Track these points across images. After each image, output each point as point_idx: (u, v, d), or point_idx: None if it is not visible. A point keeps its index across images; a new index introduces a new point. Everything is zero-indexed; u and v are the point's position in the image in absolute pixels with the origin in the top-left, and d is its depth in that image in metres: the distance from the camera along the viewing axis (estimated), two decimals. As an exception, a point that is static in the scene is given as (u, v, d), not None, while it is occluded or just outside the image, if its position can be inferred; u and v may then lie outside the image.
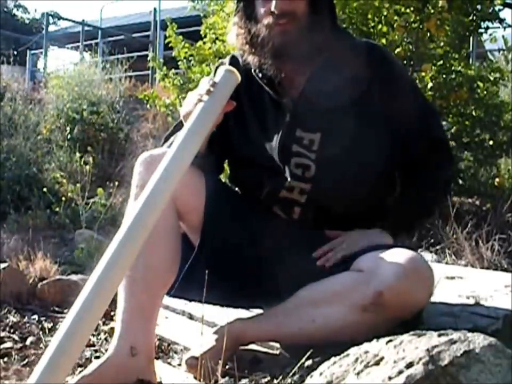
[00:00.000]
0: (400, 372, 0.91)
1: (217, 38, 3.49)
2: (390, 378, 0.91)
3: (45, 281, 2.38)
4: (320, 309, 1.32)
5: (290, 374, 1.23)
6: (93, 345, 1.78)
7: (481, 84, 3.15)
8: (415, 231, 1.51)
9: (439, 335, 0.97)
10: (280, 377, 1.27)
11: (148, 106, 4.05)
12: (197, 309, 1.76)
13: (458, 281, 1.82)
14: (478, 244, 2.41)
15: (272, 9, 1.40)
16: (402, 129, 1.45)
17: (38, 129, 5.59)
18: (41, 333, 1.88)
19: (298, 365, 1.21)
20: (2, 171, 4.55)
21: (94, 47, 9.62)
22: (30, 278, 2.41)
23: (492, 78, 3.17)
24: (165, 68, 3.68)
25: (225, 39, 3.37)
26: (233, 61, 1.55)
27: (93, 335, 1.86)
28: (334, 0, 1.56)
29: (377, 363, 0.95)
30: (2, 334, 1.85)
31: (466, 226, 2.54)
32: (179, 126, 1.45)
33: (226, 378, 1.30)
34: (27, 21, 19.51)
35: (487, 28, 3.37)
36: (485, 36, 3.83)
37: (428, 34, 3.09)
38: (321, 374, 1.00)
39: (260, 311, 1.57)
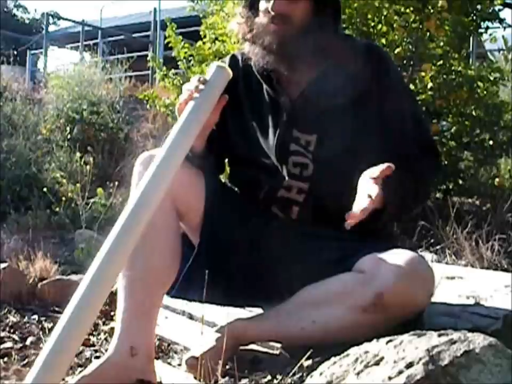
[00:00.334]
0: (400, 372, 0.91)
1: (216, 38, 3.49)
2: (390, 378, 0.91)
3: (45, 281, 2.38)
4: (321, 310, 1.32)
5: (290, 374, 1.23)
6: (93, 345, 1.78)
7: (481, 84, 3.15)
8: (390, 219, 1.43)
9: (439, 335, 0.97)
10: (280, 377, 1.27)
11: (148, 106, 4.05)
12: (197, 309, 1.76)
13: (458, 281, 1.82)
14: (478, 244, 2.41)
15: (269, 8, 1.42)
16: (393, 130, 1.45)
17: (37, 129, 5.59)
18: (41, 333, 1.88)
19: (298, 365, 1.21)
20: (2, 171, 4.55)
21: (94, 47, 9.63)
22: (30, 278, 2.41)
23: (491, 78, 3.17)
24: (164, 68, 3.68)
25: (225, 39, 3.38)
26: (233, 61, 1.56)
27: (93, 335, 1.86)
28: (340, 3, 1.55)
29: (377, 363, 0.95)
30: (2, 334, 1.85)
31: (466, 226, 2.55)
32: None
33: (226, 378, 1.30)
34: (27, 21, 19.51)
35: (487, 27, 3.37)
36: (485, 36, 3.83)
37: (428, 34, 3.09)
38: (321, 374, 1.00)
39: (260, 311, 1.57)
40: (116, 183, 4.01)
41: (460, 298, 1.61)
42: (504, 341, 0.97)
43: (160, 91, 4.32)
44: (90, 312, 1.06)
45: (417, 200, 1.51)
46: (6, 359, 1.60)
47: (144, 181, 1.20)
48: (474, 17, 3.15)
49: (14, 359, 1.60)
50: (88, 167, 4.24)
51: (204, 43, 3.55)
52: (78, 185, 3.86)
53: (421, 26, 3.02)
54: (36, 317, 2.12)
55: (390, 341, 1.00)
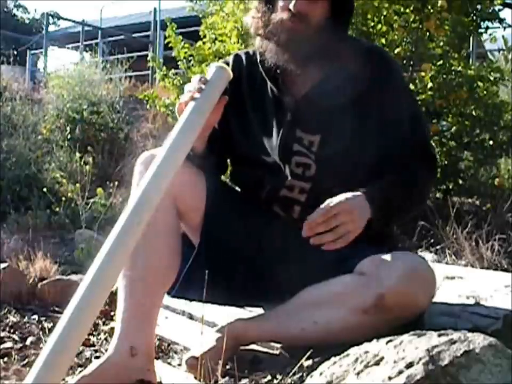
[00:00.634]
0: (400, 372, 0.91)
1: (216, 38, 3.49)
2: (390, 378, 0.91)
3: (45, 281, 2.38)
4: (322, 311, 1.32)
5: (290, 374, 1.23)
6: (93, 345, 1.78)
7: (481, 84, 3.15)
8: (391, 223, 1.44)
9: (439, 335, 0.97)
10: (280, 377, 1.27)
11: (148, 106, 4.05)
12: (197, 309, 1.76)
13: (458, 281, 1.82)
14: (478, 244, 2.41)
15: (290, 6, 1.42)
16: (392, 133, 1.45)
17: (37, 129, 5.59)
18: (41, 333, 1.88)
19: (298, 365, 1.21)
20: (2, 171, 4.55)
21: (94, 47, 9.61)
22: (30, 278, 2.41)
23: (491, 78, 3.17)
24: (164, 68, 3.68)
25: (225, 39, 3.38)
26: (237, 59, 1.56)
27: (93, 335, 1.86)
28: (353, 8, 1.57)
29: (377, 363, 0.95)
30: (2, 334, 1.85)
31: (466, 226, 2.55)
32: None
33: (226, 378, 1.30)
34: (27, 21, 19.51)
35: (487, 27, 3.36)
36: (485, 36, 3.83)
37: (428, 34, 3.09)
38: (321, 374, 1.00)
39: (260, 311, 1.57)
40: (116, 183, 4.01)
41: (460, 298, 1.61)
42: (504, 341, 0.97)
43: (160, 91, 4.32)
44: (90, 312, 1.06)
45: (412, 204, 1.50)
46: (6, 359, 1.60)
47: (144, 181, 1.20)
48: (474, 17, 3.15)
49: (14, 359, 1.60)
50: (88, 167, 4.24)
51: (203, 43, 3.55)
52: (78, 185, 3.86)
53: (420, 26, 3.02)
54: (36, 317, 2.12)
55: (390, 341, 1.00)
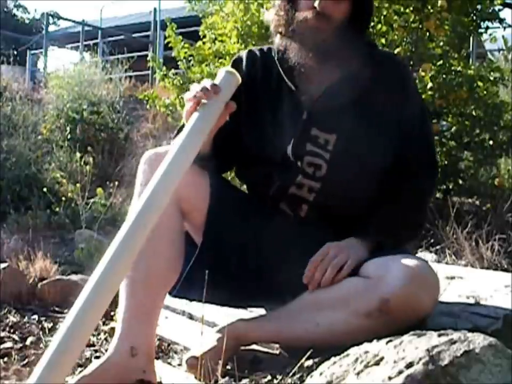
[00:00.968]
0: (400, 372, 0.91)
1: (216, 38, 3.49)
2: (390, 378, 0.91)
3: (45, 281, 2.38)
4: (325, 313, 1.32)
5: (290, 374, 1.22)
6: (93, 345, 1.78)
7: (481, 84, 3.15)
8: (400, 242, 1.48)
9: (439, 335, 0.97)
10: (280, 377, 1.27)
11: (148, 106, 4.04)
12: (197, 309, 1.76)
13: (458, 281, 1.82)
14: (478, 244, 2.41)
15: (315, 4, 1.42)
16: (404, 140, 1.48)
17: (37, 129, 5.59)
18: (41, 333, 1.88)
19: (298, 365, 1.21)
20: (2, 171, 4.55)
21: (94, 47, 9.62)
22: (30, 278, 2.41)
23: (491, 78, 3.17)
24: (164, 68, 3.68)
25: (225, 39, 3.38)
26: (251, 55, 1.57)
27: (93, 335, 1.86)
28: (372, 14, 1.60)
29: (377, 363, 0.95)
30: (2, 334, 1.85)
31: (466, 226, 2.54)
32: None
33: (227, 378, 1.30)
34: (27, 21, 19.51)
35: (487, 27, 3.36)
36: (484, 36, 3.83)
37: (428, 34, 3.09)
38: (321, 374, 1.00)
39: (261, 311, 1.57)
40: (116, 183, 4.01)
41: (460, 298, 1.61)
42: (504, 341, 0.97)
43: (160, 91, 4.32)
44: (94, 314, 1.06)
45: (415, 222, 1.53)
46: (6, 359, 1.60)
47: (151, 184, 1.20)
48: (474, 17, 3.15)
49: (14, 359, 1.60)
50: (88, 167, 4.25)
51: (203, 43, 3.55)
52: (78, 185, 3.86)
53: (420, 26, 3.02)
54: (35, 317, 2.12)
55: (390, 341, 1.00)
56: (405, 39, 3.09)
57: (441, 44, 3.20)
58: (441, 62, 3.11)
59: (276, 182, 1.48)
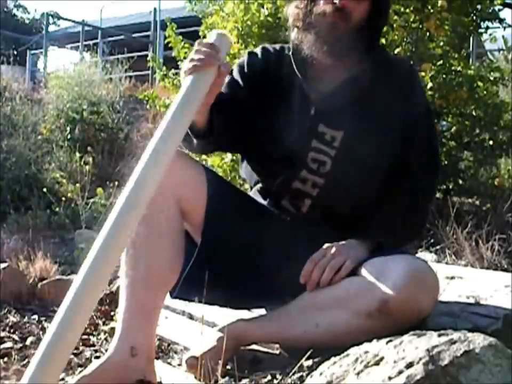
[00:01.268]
0: (400, 372, 0.91)
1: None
2: (390, 378, 0.91)
3: (45, 281, 2.38)
4: (324, 313, 1.31)
5: (290, 374, 1.22)
6: (93, 345, 1.78)
7: (481, 84, 3.15)
8: (401, 243, 1.49)
9: (439, 335, 0.97)
10: (280, 377, 1.27)
11: (148, 106, 4.04)
12: (197, 309, 1.76)
13: (458, 281, 1.82)
14: (478, 244, 2.41)
15: (335, 0, 1.43)
16: (409, 145, 1.50)
17: (37, 129, 5.60)
18: (41, 333, 1.88)
19: (298, 365, 1.21)
20: (2, 171, 4.55)
21: (94, 47, 9.62)
22: (30, 278, 2.42)
23: (491, 78, 3.17)
24: (164, 68, 3.68)
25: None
26: (264, 51, 1.58)
27: (93, 335, 1.86)
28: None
29: (377, 363, 0.95)
30: (2, 334, 1.85)
31: (466, 226, 2.54)
32: None
33: (227, 378, 1.30)
34: (27, 21, 19.50)
35: (487, 27, 3.37)
36: (485, 36, 3.83)
37: (428, 34, 3.09)
38: (321, 374, 1.00)
39: (261, 311, 1.57)
40: (116, 183, 4.02)
41: (459, 298, 1.60)
42: (504, 341, 0.97)
43: (160, 91, 4.32)
44: (86, 306, 1.04)
45: (418, 218, 1.54)
46: (6, 359, 1.60)
47: (145, 155, 1.17)
48: (474, 17, 3.15)
49: (14, 359, 1.60)
50: (88, 167, 4.25)
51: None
52: (78, 185, 3.87)
53: (421, 26, 3.01)
54: (35, 317, 2.12)
55: (390, 341, 1.00)
56: (405, 39, 3.09)
57: (441, 44, 3.20)
58: (441, 62, 3.11)
59: (279, 176, 1.49)
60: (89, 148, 5.43)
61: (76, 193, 3.84)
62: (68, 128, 5.79)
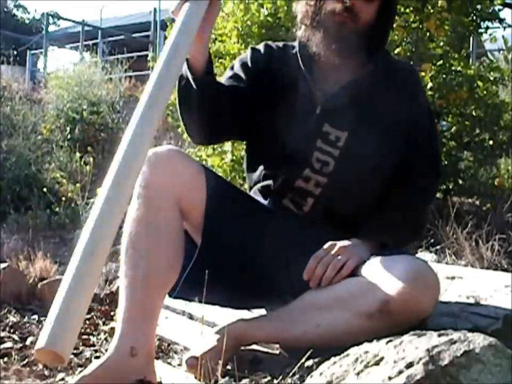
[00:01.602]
0: (400, 372, 0.91)
1: (216, 38, 3.48)
2: (390, 378, 0.91)
3: (45, 281, 2.38)
4: (325, 314, 1.31)
5: (290, 374, 1.22)
6: (93, 345, 1.78)
7: (481, 84, 3.15)
8: (402, 243, 1.50)
9: (439, 335, 0.97)
10: (280, 377, 1.27)
11: (148, 106, 4.03)
12: (197, 309, 1.76)
13: (458, 281, 1.82)
14: (478, 244, 2.41)
15: None
16: (411, 147, 1.51)
17: (37, 129, 5.60)
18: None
19: (298, 365, 1.21)
20: (2, 171, 4.55)
21: (94, 47, 9.62)
22: (30, 278, 2.42)
23: (491, 78, 3.17)
24: (164, 68, 3.67)
25: (225, 39, 3.38)
26: (267, 48, 1.59)
27: (93, 335, 1.86)
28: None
29: (377, 363, 0.95)
30: (2, 334, 1.85)
31: (466, 226, 2.54)
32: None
33: (227, 378, 1.30)
34: (27, 21, 19.51)
35: (487, 27, 3.37)
36: (485, 36, 3.83)
37: (428, 34, 3.09)
38: (321, 374, 1.01)
39: (261, 311, 1.57)
40: (116, 183, 4.00)
41: (459, 298, 1.60)
42: (504, 341, 0.97)
43: (160, 91, 4.31)
44: (97, 260, 0.99)
45: (419, 218, 1.56)
46: (6, 359, 1.60)
47: (151, 80, 1.19)
48: (474, 17, 3.15)
49: (14, 359, 1.60)
50: (88, 167, 4.25)
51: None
52: (78, 185, 3.87)
53: (420, 26, 3.02)
54: (35, 317, 2.12)
55: (390, 341, 1.00)
56: (405, 39, 3.09)
57: (441, 44, 3.20)
58: (441, 62, 3.11)
59: (282, 175, 1.49)
60: (89, 148, 5.43)
61: (76, 193, 3.84)
62: (68, 128, 5.79)
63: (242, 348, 1.43)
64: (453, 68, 3.13)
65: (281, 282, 1.38)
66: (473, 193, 3.39)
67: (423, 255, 2.47)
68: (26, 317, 2.09)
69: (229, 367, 1.35)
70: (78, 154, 4.71)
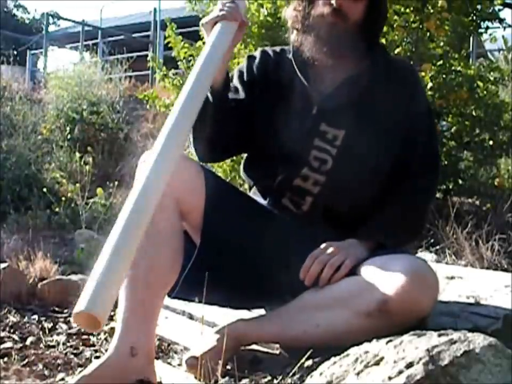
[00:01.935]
0: (400, 372, 0.91)
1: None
2: (390, 378, 0.91)
3: (45, 281, 2.38)
4: (324, 313, 1.32)
5: (290, 374, 1.23)
6: (93, 345, 1.78)
7: (481, 84, 3.15)
8: (400, 243, 1.49)
9: (439, 335, 0.97)
10: (280, 377, 1.27)
11: (148, 106, 4.04)
12: (197, 309, 1.76)
13: (458, 281, 1.82)
14: (478, 244, 2.41)
15: (332, 1, 1.46)
16: (409, 144, 1.51)
17: (37, 129, 5.59)
18: (41, 333, 1.88)
19: (298, 365, 1.21)
20: (2, 171, 4.55)
21: (94, 47, 9.62)
22: (30, 278, 2.41)
23: (491, 78, 3.17)
24: (164, 68, 3.67)
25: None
26: (264, 54, 1.61)
27: (93, 335, 1.86)
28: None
29: (377, 363, 0.96)
30: (2, 334, 1.85)
31: (466, 226, 2.54)
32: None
33: (227, 378, 1.30)
34: (27, 21, 19.51)
35: (487, 27, 3.37)
36: (485, 36, 3.83)
37: (428, 34, 3.09)
38: (321, 374, 1.01)
39: (261, 311, 1.57)
40: (116, 183, 4.01)
41: (459, 298, 1.61)
42: (504, 341, 0.97)
43: (160, 91, 4.31)
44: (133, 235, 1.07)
45: (418, 218, 1.55)
46: (6, 359, 1.60)
47: (182, 94, 1.25)
48: (474, 17, 3.15)
49: (14, 359, 1.60)
50: (88, 167, 4.25)
51: (204, 43, 3.54)
52: (78, 185, 3.87)
53: (421, 26, 3.02)
54: (36, 317, 2.12)
55: (390, 341, 1.00)
56: (405, 39, 3.09)
57: (441, 44, 3.20)
58: (441, 62, 3.11)
59: (281, 174, 1.50)
60: (89, 148, 5.43)
61: (76, 193, 3.84)
62: (68, 128, 5.79)
63: (242, 347, 1.43)
64: (453, 68, 3.13)
65: (280, 282, 1.38)
66: (473, 193, 3.39)
67: (423, 255, 2.47)
68: (26, 317, 2.09)
69: (228, 367, 1.35)
70: (78, 154, 4.70)
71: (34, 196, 4.34)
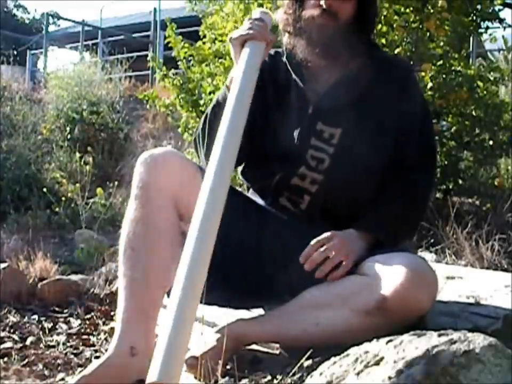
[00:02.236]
0: (400, 372, 0.91)
1: (216, 38, 3.48)
2: (390, 378, 0.91)
3: (45, 281, 2.38)
4: (324, 312, 1.32)
5: (290, 374, 1.22)
6: (93, 345, 1.78)
7: (481, 84, 3.15)
8: (399, 238, 1.50)
9: (439, 335, 0.97)
10: (280, 377, 1.27)
11: (148, 106, 4.04)
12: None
13: (458, 281, 1.82)
14: (478, 244, 2.41)
15: (321, 3, 1.47)
16: (405, 141, 1.51)
17: (37, 129, 5.59)
18: (41, 333, 1.88)
19: (298, 365, 1.21)
20: (2, 171, 4.55)
21: (93, 47, 9.62)
22: (30, 278, 2.42)
23: (491, 78, 3.17)
24: (164, 68, 3.67)
25: (224, 39, 3.37)
26: None
27: (93, 335, 1.86)
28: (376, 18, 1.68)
29: (377, 363, 0.95)
30: (2, 334, 1.85)
31: (466, 226, 2.54)
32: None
33: (227, 378, 1.30)
34: (27, 21, 19.51)
35: (487, 27, 3.36)
36: (485, 36, 3.83)
37: (428, 34, 3.08)
38: (321, 374, 1.01)
39: (261, 311, 1.57)
40: (116, 183, 4.02)
41: (459, 298, 1.60)
42: (504, 341, 0.97)
43: (160, 91, 4.31)
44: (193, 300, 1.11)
45: (414, 220, 1.56)
46: (6, 359, 1.60)
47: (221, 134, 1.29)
48: (474, 17, 3.15)
49: (14, 359, 1.60)
50: (88, 167, 4.25)
51: (203, 43, 3.54)
52: (78, 185, 3.87)
53: (421, 26, 3.01)
54: (35, 317, 2.12)
55: (390, 341, 1.00)
56: (405, 39, 3.08)
57: (441, 44, 3.20)
58: (441, 62, 3.11)
59: (278, 173, 1.51)
60: (89, 148, 5.43)
61: (76, 193, 3.84)
62: (68, 128, 5.79)
63: (242, 347, 1.43)
64: (453, 68, 3.13)
65: (279, 282, 1.38)
66: (473, 193, 3.39)
67: (423, 255, 2.47)
68: (26, 317, 2.09)
69: (228, 367, 1.35)
70: (78, 154, 4.71)
71: (34, 196, 4.34)
